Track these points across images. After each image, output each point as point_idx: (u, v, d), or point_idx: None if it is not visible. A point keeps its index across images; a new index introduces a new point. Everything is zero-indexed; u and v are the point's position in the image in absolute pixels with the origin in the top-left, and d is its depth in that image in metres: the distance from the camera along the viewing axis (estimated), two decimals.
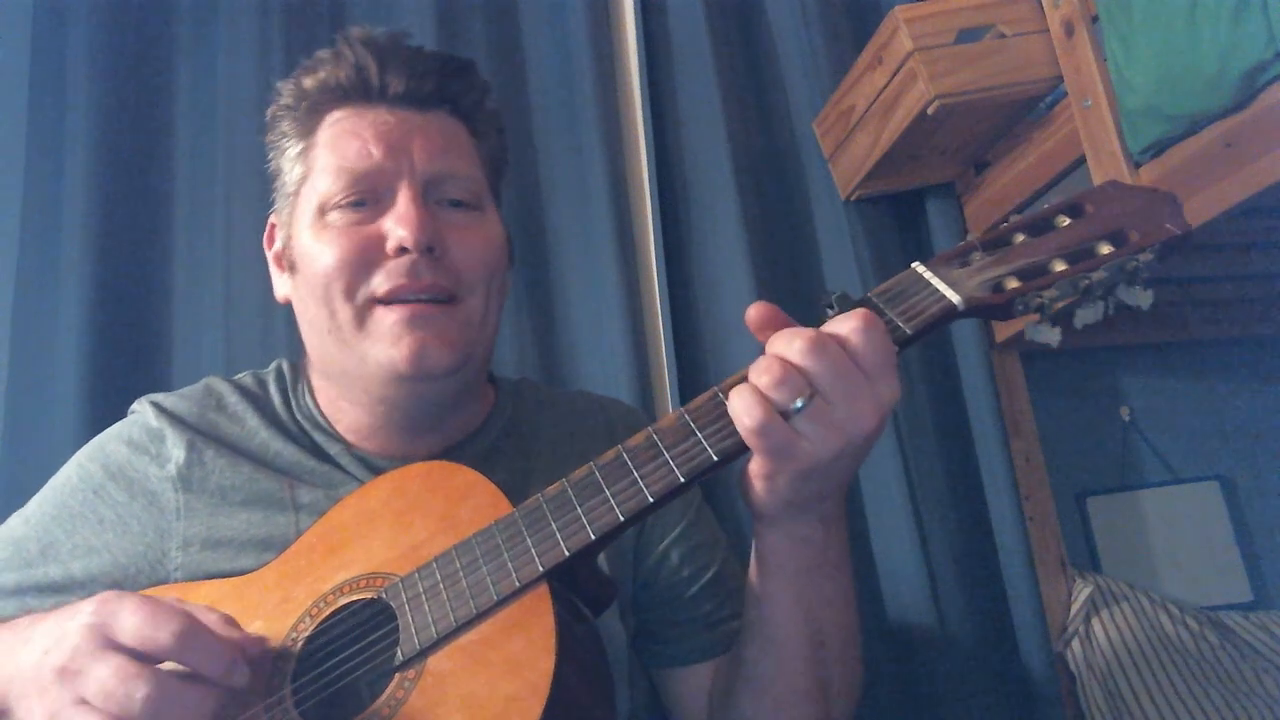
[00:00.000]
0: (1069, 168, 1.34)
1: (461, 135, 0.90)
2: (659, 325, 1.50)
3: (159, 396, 0.92)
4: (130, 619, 0.60)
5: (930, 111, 1.30)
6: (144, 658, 0.59)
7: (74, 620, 0.61)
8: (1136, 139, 1.13)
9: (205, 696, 0.60)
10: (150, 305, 1.46)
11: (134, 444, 0.87)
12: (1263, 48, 0.94)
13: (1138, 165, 1.15)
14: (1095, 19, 1.20)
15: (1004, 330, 1.57)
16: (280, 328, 1.40)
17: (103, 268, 1.41)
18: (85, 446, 0.91)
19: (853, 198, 1.57)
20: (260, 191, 1.49)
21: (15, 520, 0.88)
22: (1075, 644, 1.51)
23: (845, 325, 0.63)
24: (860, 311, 0.64)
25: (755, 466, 0.65)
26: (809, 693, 0.78)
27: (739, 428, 0.62)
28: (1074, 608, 1.52)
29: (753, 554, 0.76)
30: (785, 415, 0.61)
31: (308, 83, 0.88)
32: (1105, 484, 1.83)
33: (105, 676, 0.58)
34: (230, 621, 0.66)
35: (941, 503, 1.47)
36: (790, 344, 0.62)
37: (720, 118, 1.60)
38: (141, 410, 0.90)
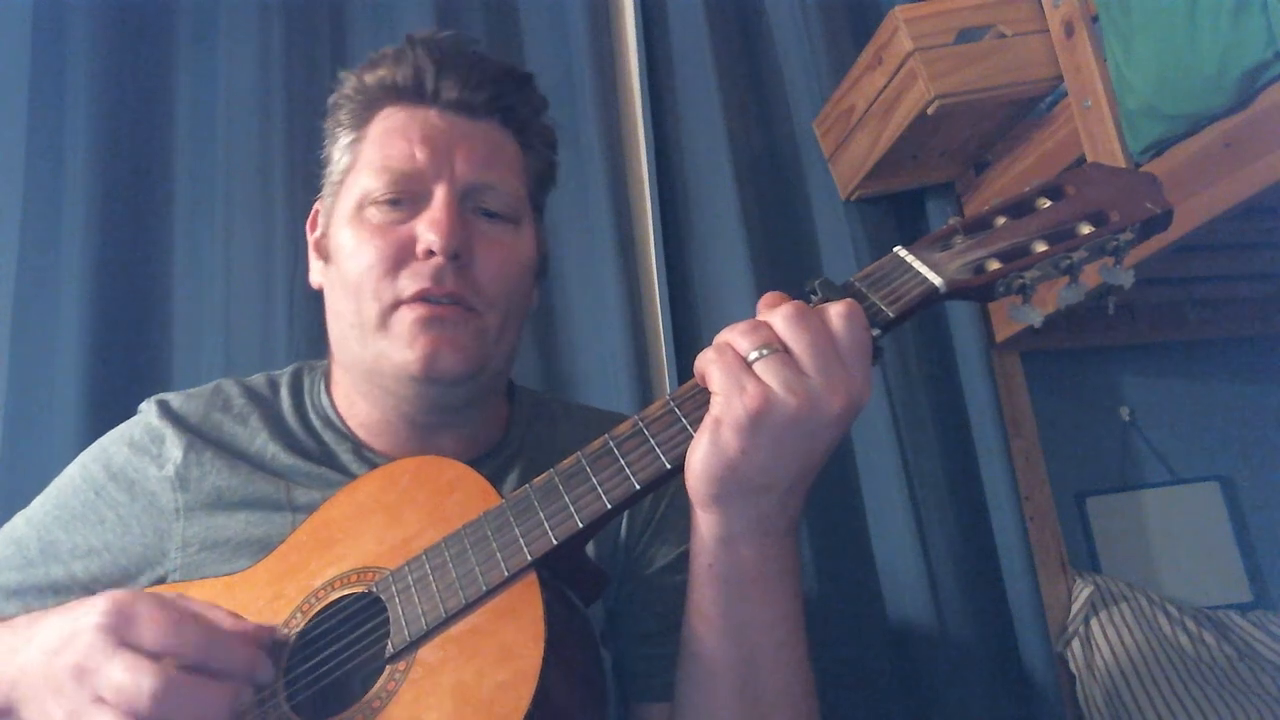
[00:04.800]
0: (1069, 168, 1.34)
1: (509, 147, 0.90)
2: (659, 325, 1.50)
3: (168, 396, 0.92)
4: (150, 625, 0.60)
5: (930, 111, 1.30)
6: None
7: (85, 619, 0.61)
8: (1136, 139, 1.13)
9: (225, 692, 0.60)
10: (150, 305, 1.46)
11: (135, 444, 0.88)
12: (1263, 48, 0.94)
13: (1138, 165, 1.15)
14: (1095, 19, 1.20)
15: (1004, 330, 1.57)
16: (280, 328, 1.39)
17: (103, 268, 1.41)
18: (90, 447, 0.91)
19: (853, 198, 1.57)
20: (260, 191, 1.50)
21: (18, 520, 0.88)
22: (1075, 644, 1.51)
23: (830, 308, 0.64)
24: (846, 300, 0.64)
25: (709, 413, 0.62)
26: None
27: (699, 360, 0.62)
28: (1074, 608, 1.53)
29: (689, 568, 0.70)
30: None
31: (368, 78, 0.89)
32: (1105, 484, 1.82)
33: (122, 674, 0.58)
34: (236, 616, 0.66)
35: (941, 503, 1.47)
36: (773, 311, 0.63)
37: (720, 117, 1.60)
38: (147, 410, 0.91)
